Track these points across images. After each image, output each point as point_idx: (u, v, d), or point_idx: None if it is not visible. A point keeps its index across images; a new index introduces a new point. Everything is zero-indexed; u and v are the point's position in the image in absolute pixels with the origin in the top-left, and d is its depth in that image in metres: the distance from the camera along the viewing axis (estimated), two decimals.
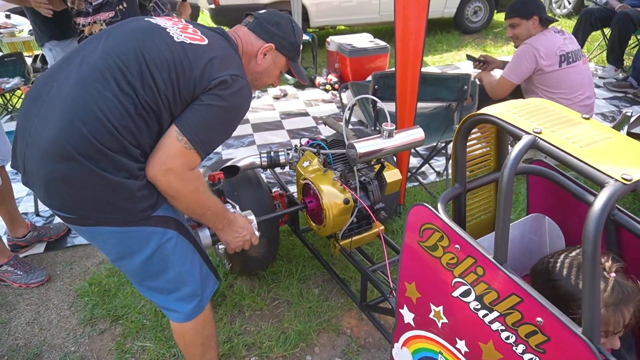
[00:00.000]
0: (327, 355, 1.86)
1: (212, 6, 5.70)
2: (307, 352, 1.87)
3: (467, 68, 5.15)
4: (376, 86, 2.51)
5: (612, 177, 0.81)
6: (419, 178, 2.95)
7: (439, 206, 1.10)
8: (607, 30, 4.83)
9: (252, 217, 1.67)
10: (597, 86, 4.42)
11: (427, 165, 2.99)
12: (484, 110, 1.05)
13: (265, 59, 1.46)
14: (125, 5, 2.42)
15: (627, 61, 4.77)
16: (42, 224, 2.72)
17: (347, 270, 2.24)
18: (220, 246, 1.57)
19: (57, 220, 2.73)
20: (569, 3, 7.05)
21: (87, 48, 1.24)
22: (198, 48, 1.24)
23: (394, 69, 2.27)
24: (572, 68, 2.52)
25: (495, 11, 6.69)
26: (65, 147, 1.11)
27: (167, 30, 1.26)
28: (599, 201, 0.79)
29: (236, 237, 1.50)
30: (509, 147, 1.24)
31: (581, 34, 4.67)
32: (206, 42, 1.27)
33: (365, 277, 1.79)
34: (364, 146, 1.59)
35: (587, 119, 1.00)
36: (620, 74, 4.59)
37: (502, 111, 1.02)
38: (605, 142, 0.92)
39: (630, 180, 0.80)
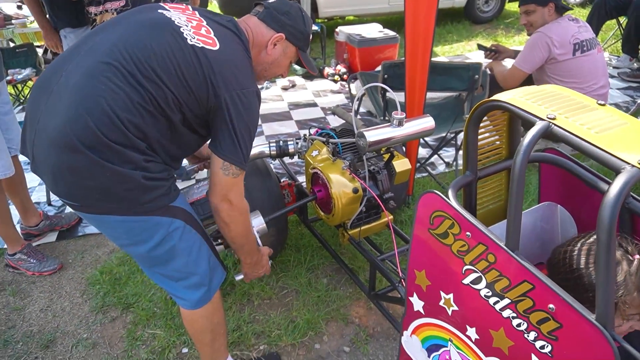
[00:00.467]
0: (335, 344, 1.87)
1: None
2: (315, 340, 1.88)
3: (478, 58, 5.09)
4: (385, 75, 2.49)
5: (628, 163, 0.80)
6: (428, 169, 2.93)
7: (450, 194, 1.09)
8: (622, 19, 4.74)
9: (258, 219, 1.69)
10: (611, 76, 4.34)
11: (436, 155, 2.97)
12: (496, 96, 1.04)
13: (276, 49, 1.45)
14: None
15: None
16: (54, 213, 2.75)
17: (355, 260, 2.24)
18: (238, 277, 1.65)
19: (69, 209, 2.76)
20: None
21: (96, 38, 1.24)
22: (210, 54, 1.23)
23: (403, 58, 2.25)
24: (586, 57, 2.48)
25: (507, 0, 6.58)
26: (71, 137, 1.11)
27: (181, 29, 1.25)
28: (615, 187, 0.78)
29: (254, 273, 1.62)
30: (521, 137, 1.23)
31: (595, 23, 4.57)
32: (217, 47, 1.26)
33: (374, 266, 1.79)
34: (373, 135, 1.58)
35: (603, 105, 0.98)
36: (635, 64, 4.50)
37: (515, 97, 1.00)
38: (621, 128, 0.90)
39: None
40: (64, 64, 1.21)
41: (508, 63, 2.87)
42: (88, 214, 1.26)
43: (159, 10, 1.31)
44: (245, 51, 1.35)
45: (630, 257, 0.95)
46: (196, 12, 1.35)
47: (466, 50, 5.50)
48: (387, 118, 2.62)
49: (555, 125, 0.91)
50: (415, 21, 2.11)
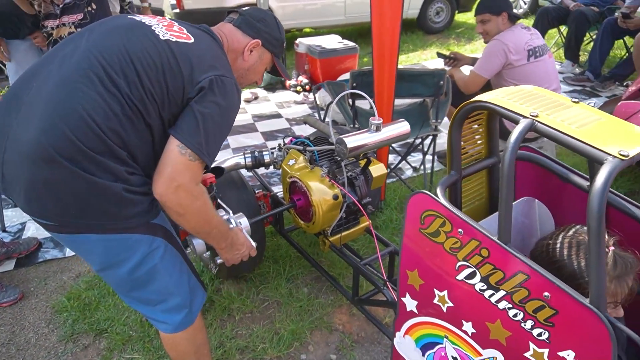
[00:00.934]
0: (321, 352, 1.85)
1: (177, 10, 5.59)
2: (301, 351, 1.86)
3: (434, 66, 5.28)
4: (354, 84, 2.53)
5: (610, 154, 0.86)
6: (396, 174, 2.99)
7: (439, 193, 1.13)
8: (563, 28, 5.08)
9: (244, 219, 1.65)
10: None
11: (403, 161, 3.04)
12: (479, 97, 1.08)
13: (252, 55, 1.45)
14: (94, 6, 2.34)
15: (583, 56, 5.02)
16: (9, 240, 2.57)
17: (334, 267, 2.24)
18: (219, 260, 1.54)
19: (26, 235, 2.60)
20: (525, 3, 7.36)
21: (67, 47, 1.19)
22: (185, 47, 1.21)
23: (370, 67, 2.30)
24: (539, 62, 2.63)
25: (457, 11, 6.89)
26: (47, 149, 1.05)
27: (152, 27, 1.23)
28: (601, 177, 0.83)
29: (236, 255, 1.47)
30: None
31: (539, 31, 4.87)
32: (192, 40, 1.25)
33: (357, 271, 1.80)
34: (353, 140, 1.60)
35: (577, 102, 1.05)
36: (577, 69, 4.83)
37: (497, 97, 1.05)
38: (598, 122, 0.96)
39: (627, 156, 0.85)
40: (35, 76, 1.16)
41: (465, 69, 3.00)
42: (64, 234, 1.19)
43: (129, 17, 1.28)
44: (222, 51, 1.34)
45: (606, 249, 1.01)
46: (167, 18, 1.34)
47: (422, 59, 5.70)
48: (356, 126, 2.66)
49: (538, 122, 0.96)
50: (381, 31, 2.17)
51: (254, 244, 1.54)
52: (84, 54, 1.13)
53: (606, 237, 1.03)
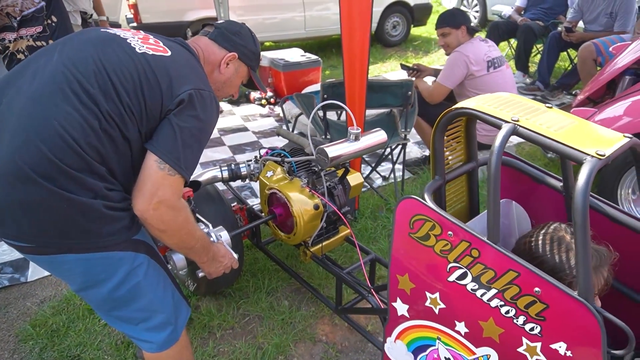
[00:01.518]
0: None
1: (134, 24, 5.47)
2: None
3: (395, 78, 5.43)
4: (325, 95, 2.57)
5: (588, 154, 0.92)
6: (367, 183, 3.04)
7: (427, 197, 1.16)
8: (512, 41, 5.37)
9: (224, 233, 1.63)
10: None
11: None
12: (461, 104, 1.13)
13: (228, 69, 1.45)
14: (54, 19, 2.25)
15: (532, 67, 5.33)
16: None
17: (313, 278, 2.24)
18: (200, 274, 1.52)
19: None
20: (474, 18, 7.74)
21: (39, 60, 1.14)
22: (162, 60, 1.19)
23: (337, 79, 2.34)
24: (498, 72, 2.78)
25: (412, 25, 7.14)
26: (21, 167, 1.01)
27: (128, 40, 1.21)
28: (582, 175, 0.89)
29: (218, 267, 1.45)
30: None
31: None
32: (169, 53, 1.23)
33: (340, 280, 1.81)
34: (334, 150, 1.62)
35: (550, 107, 1.12)
36: (527, 79, 5.11)
37: (479, 104, 1.11)
38: (573, 126, 1.03)
39: (603, 156, 0.91)
40: (3, 91, 1.10)
41: (428, 80, 3.12)
42: (42, 256, 1.13)
43: (102, 30, 1.25)
44: (199, 65, 1.33)
45: None
46: (140, 31, 1.32)
47: (382, 71, 5.85)
48: (328, 137, 2.69)
49: (520, 126, 1.02)
50: (352, 43, 2.22)
51: (235, 255, 1.53)
52: (57, 68, 1.10)
53: None
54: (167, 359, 1.35)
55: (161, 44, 1.26)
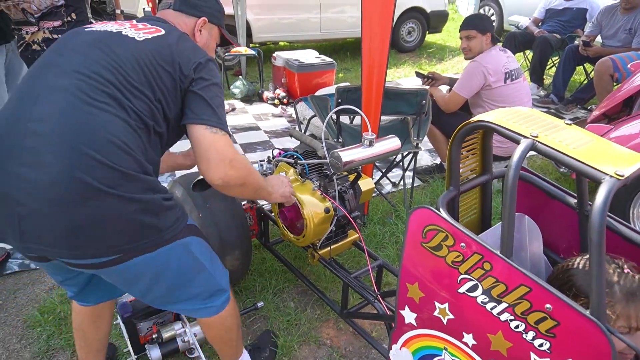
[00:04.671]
0: None
1: None
2: None
3: (408, 84, 5.44)
4: (339, 99, 2.58)
5: (607, 174, 0.92)
6: (377, 189, 3.04)
7: (441, 207, 1.16)
8: (527, 52, 5.35)
9: (196, 328, 1.76)
10: None
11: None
12: (480, 117, 1.14)
13: (202, 35, 1.44)
14: (74, 17, 2.30)
15: (547, 80, 5.30)
16: None
17: (320, 281, 2.24)
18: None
19: None
20: None
21: (46, 77, 1.11)
22: (161, 39, 1.24)
23: (356, 83, 2.35)
24: (516, 84, 2.77)
25: (427, 32, 7.14)
26: (86, 181, 1.00)
27: (123, 32, 1.23)
28: (600, 195, 0.89)
29: (283, 187, 1.62)
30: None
31: None
32: (163, 32, 1.27)
33: (346, 284, 1.82)
34: (348, 155, 1.63)
35: (569, 124, 1.12)
36: (542, 92, 5.09)
37: (498, 118, 1.11)
38: (591, 144, 1.03)
39: (622, 176, 0.91)
40: (17, 117, 1.06)
41: (443, 88, 3.11)
42: (110, 268, 1.12)
43: (92, 29, 1.25)
44: (185, 35, 1.35)
45: (623, 271, 1.05)
46: (122, 18, 1.35)
47: (396, 77, 5.85)
48: (340, 140, 2.70)
49: (538, 142, 1.02)
50: (371, 48, 2.23)
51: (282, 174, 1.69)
52: (75, 78, 1.09)
53: (622, 261, 1.08)
54: (228, 316, 1.43)
55: (149, 25, 1.29)
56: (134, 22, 1.31)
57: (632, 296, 1.01)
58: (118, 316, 1.76)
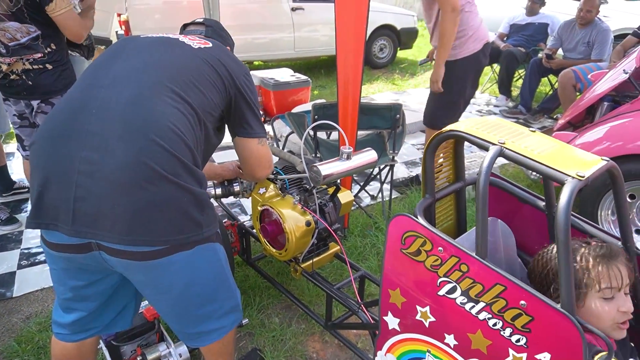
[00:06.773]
0: None
1: None
2: None
3: (381, 99, 5.56)
4: (316, 116, 2.63)
5: (569, 175, 0.99)
6: (357, 202, 3.09)
7: (418, 214, 1.21)
8: (495, 66, 5.57)
9: (182, 348, 1.79)
10: (494, 113, 5.06)
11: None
12: (451, 127, 1.20)
13: None
14: (53, 47, 2.30)
15: (515, 91, 5.51)
16: None
17: (304, 295, 2.26)
18: None
19: None
20: None
21: (113, 68, 1.20)
22: (212, 50, 1.35)
23: (332, 100, 2.42)
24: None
25: (399, 48, 7.34)
26: (150, 167, 1.04)
27: (181, 40, 1.36)
28: (564, 195, 0.96)
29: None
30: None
31: None
32: (210, 45, 1.38)
33: (330, 295, 1.84)
34: (327, 168, 1.67)
35: (534, 131, 1.19)
36: (510, 103, 5.29)
37: (468, 127, 1.17)
38: (554, 149, 1.10)
39: (583, 177, 0.98)
40: (83, 104, 1.12)
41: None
42: (158, 260, 1.11)
43: (151, 35, 1.38)
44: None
45: (590, 242, 1.13)
46: (177, 33, 1.51)
47: (370, 92, 5.98)
48: (318, 155, 2.75)
49: (506, 148, 1.08)
50: (346, 65, 2.30)
51: None
52: (139, 71, 1.18)
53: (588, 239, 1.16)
54: (230, 340, 1.41)
55: (197, 39, 1.41)
56: (188, 35, 1.47)
57: (603, 258, 1.07)
58: (101, 340, 1.73)
